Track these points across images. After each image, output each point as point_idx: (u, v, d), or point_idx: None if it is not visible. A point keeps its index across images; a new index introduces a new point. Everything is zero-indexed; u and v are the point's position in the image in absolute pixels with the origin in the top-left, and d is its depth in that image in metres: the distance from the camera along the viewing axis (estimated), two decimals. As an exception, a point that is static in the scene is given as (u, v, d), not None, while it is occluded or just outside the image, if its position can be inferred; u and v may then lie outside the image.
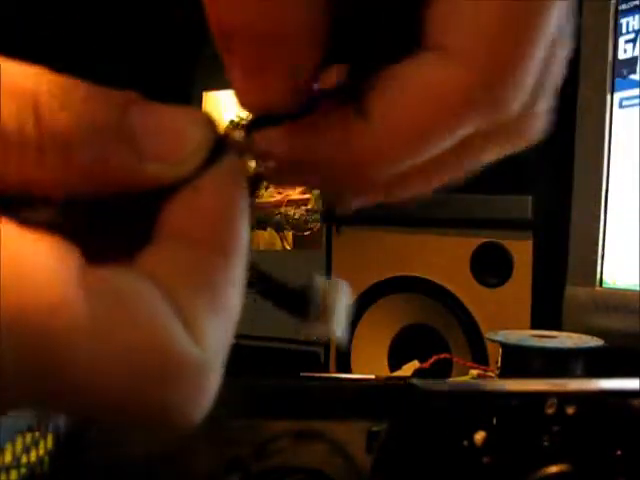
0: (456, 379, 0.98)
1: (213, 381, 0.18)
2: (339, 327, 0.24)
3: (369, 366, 1.33)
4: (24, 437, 0.47)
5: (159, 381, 0.17)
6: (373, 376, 0.86)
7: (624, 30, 1.00)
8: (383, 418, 0.45)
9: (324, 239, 1.45)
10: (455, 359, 1.11)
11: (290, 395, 0.46)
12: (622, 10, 1.00)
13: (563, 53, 0.22)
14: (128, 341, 0.16)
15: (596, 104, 1.01)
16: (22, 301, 0.15)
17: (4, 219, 0.16)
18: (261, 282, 0.24)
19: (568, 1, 0.21)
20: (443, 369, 1.11)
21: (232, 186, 0.19)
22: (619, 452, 0.39)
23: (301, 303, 0.23)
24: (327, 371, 1.38)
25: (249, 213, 0.19)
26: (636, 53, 0.99)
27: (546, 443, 0.40)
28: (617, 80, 1.00)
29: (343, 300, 0.25)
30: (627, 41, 1.00)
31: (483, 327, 1.21)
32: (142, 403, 0.17)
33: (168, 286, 0.17)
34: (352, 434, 0.49)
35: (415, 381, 0.42)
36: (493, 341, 0.86)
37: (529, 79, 0.20)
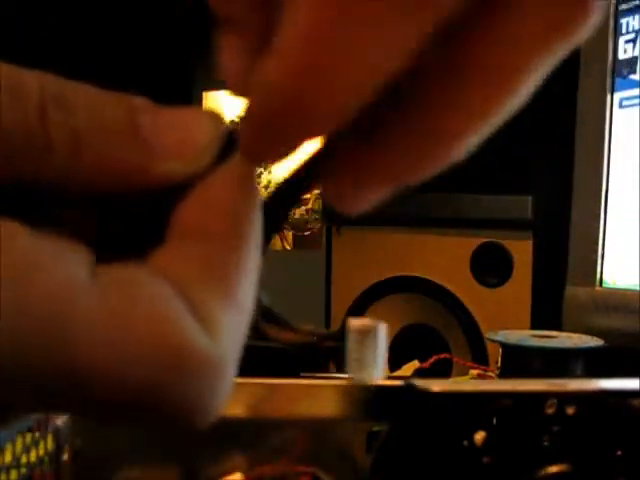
0: (456, 379, 0.98)
1: (228, 375, 0.18)
2: (377, 370, 0.24)
3: (369, 366, 1.33)
4: (24, 437, 0.47)
5: (173, 376, 0.17)
6: (373, 376, 0.86)
7: (624, 30, 1.00)
8: (383, 418, 0.45)
9: (324, 239, 1.45)
10: (455, 359, 1.11)
11: (290, 395, 0.46)
12: (622, 10, 1.00)
13: None
14: (141, 337, 0.16)
15: (596, 104, 1.01)
16: (35, 301, 0.16)
17: (14, 220, 0.16)
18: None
19: None
20: (443, 369, 1.11)
21: (243, 181, 0.19)
22: (619, 452, 0.39)
23: (325, 358, 0.23)
24: (327, 371, 1.38)
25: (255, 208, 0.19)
26: (636, 53, 0.99)
27: (546, 443, 0.40)
28: (617, 80, 1.00)
29: (381, 343, 0.24)
30: (627, 41, 1.00)
31: (483, 327, 1.21)
32: (157, 399, 0.17)
33: (180, 282, 0.17)
34: (352, 434, 0.49)
35: (415, 381, 0.42)
36: (493, 341, 0.86)
37: None
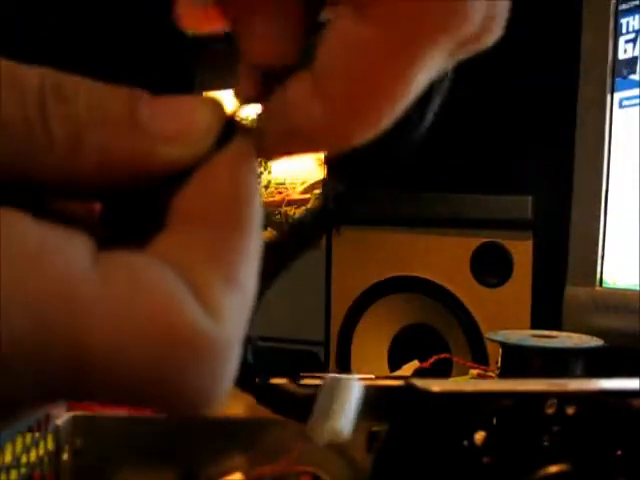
0: (456, 379, 0.98)
1: (232, 357, 0.18)
2: (345, 426, 0.24)
3: (369, 366, 1.33)
4: (24, 437, 0.47)
5: (177, 359, 0.17)
6: (373, 376, 0.86)
7: (624, 30, 1.00)
8: (383, 418, 0.45)
9: (324, 239, 1.45)
10: (455, 359, 1.11)
11: (290, 395, 0.46)
12: (622, 10, 1.00)
13: None
14: (144, 321, 0.16)
15: (596, 104, 1.01)
16: (39, 289, 0.16)
17: (13, 210, 0.16)
18: (266, 391, 0.23)
19: None
20: (443, 369, 1.11)
21: (244, 166, 0.19)
22: (619, 452, 0.39)
23: (304, 409, 0.23)
24: (327, 371, 1.38)
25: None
26: (636, 53, 0.99)
27: (546, 443, 0.40)
28: (617, 80, 1.00)
29: (352, 398, 0.24)
30: (627, 41, 1.00)
31: (483, 327, 1.21)
32: (160, 382, 0.17)
33: (182, 266, 0.18)
34: (352, 434, 0.49)
35: (415, 381, 0.42)
36: (493, 341, 0.86)
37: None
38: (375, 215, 1.32)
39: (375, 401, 0.49)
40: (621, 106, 1.00)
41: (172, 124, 0.19)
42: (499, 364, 0.85)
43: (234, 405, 0.51)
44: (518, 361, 0.83)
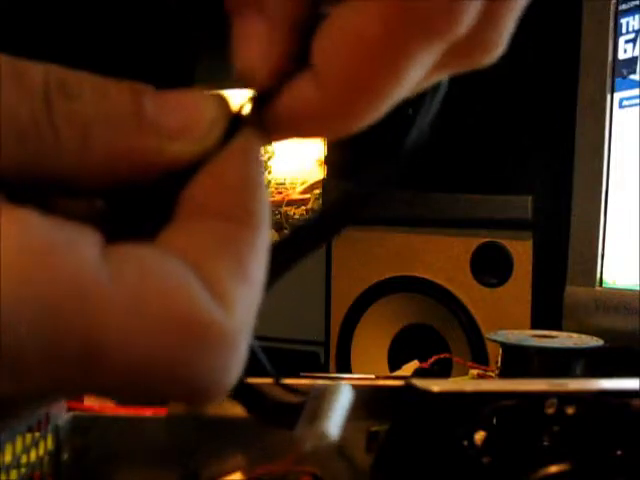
0: (456, 379, 0.98)
1: (242, 348, 0.18)
2: (332, 431, 0.24)
3: (369, 366, 1.33)
4: (24, 437, 0.47)
5: (188, 348, 0.17)
6: (373, 376, 0.86)
7: (624, 30, 1.00)
8: (383, 418, 0.45)
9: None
10: (455, 359, 1.11)
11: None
12: (622, 10, 1.00)
13: None
14: (156, 312, 0.16)
15: (596, 104, 1.01)
16: (50, 284, 0.16)
17: (22, 206, 0.16)
18: (253, 399, 0.23)
19: None
20: (443, 369, 1.11)
21: (251, 158, 0.20)
22: (619, 452, 0.39)
23: (292, 417, 0.23)
24: (327, 371, 1.38)
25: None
26: (636, 53, 0.99)
27: (546, 443, 0.40)
28: (617, 80, 1.00)
29: (341, 403, 0.24)
30: (627, 41, 1.00)
31: (483, 327, 1.21)
32: (172, 372, 0.17)
33: (192, 258, 0.18)
34: (352, 434, 0.49)
35: (415, 381, 0.42)
36: (493, 341, 0.86)
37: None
38: (375, 215, 1.32)
39: (375, 401, 0.49)
40: (621, 106, 1.00)
41: (178, 120, 0.19)
42: (499, 364, 0.85)
43: (234, 405, 0.51)
44: (518, 361, 0.83)
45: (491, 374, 0.91)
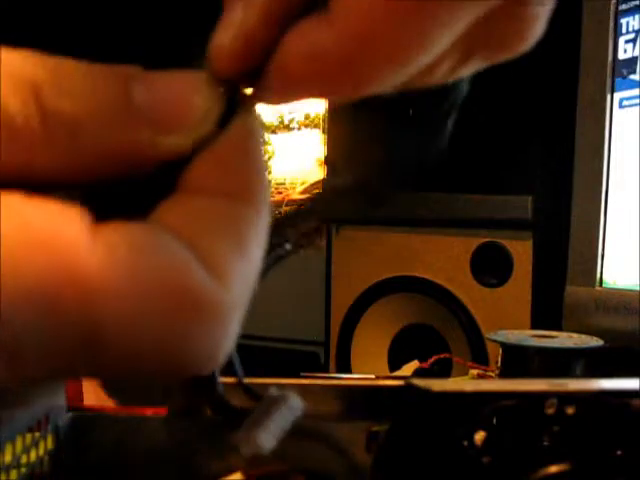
0: (456, 379, 0.98)
1: (235, 322, 0.18)
2: (265, 442, 0.24)
3: (369, 366, 1.33)
4: (24, 437, 0.47)
5: (183, 320, 0.17)
6: (373, 376, 0.86)
7: (624, 30, 1.00)
8: (383, 418, 0.45)
9: (324, 239, 1.45)
10: (455, 359, 1.11)
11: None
12: (622, 10, 1.00)
13: None
14: (149, 286, 0.16)
15: (596, 104, 1.01)
16: (42, 268, 0.16)
17: (9, 190, 0.16)
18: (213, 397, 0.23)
19: None
20: (443, 369, 1.11)
21: (252, 137, 0.19)
22: (619, 452, 0.39)
23: (239, 418, 0.23)
24: (327, 371, 1.38)
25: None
26: (636, 53, 0.99)
27: (546, 443, 0.40)
28: (617, 80, 1.00)
29: (283, 414, 0.25)
30: (627, 41, 1.00)
31: (483, 327, 1.21)
32: (168, 345, 0.17)
33: (187, 233, 0.18)
34: (352, 434, 0.49)
35: (415, 381, 0.42)
36: (493, 341, 0.86)
37: None
38: (375, 215, 1.32)
39: (375, 401, 0.49)
40: (621, 106, 1.00)
41: (170, 110, 0.18)
42: (499, 364, 0.85)
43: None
44: (518, 361, 0.83)
45: (491, 374, 0.91)
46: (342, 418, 0.50)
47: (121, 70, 0.18)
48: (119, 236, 0.17)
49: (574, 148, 1.04)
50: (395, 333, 1.34)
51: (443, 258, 1.26)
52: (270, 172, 2.14)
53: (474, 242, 1.24)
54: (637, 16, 0.99)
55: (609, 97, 1.00)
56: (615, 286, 1.00)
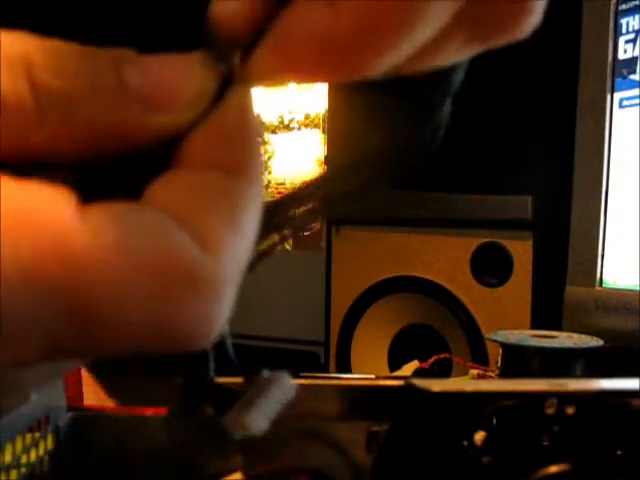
0: (456, 379, 0.98)
1: (227, 295, 0.18)
2: (256, 423, 0.24)
3: (369, 366, 1.33)
4: (24, 437, 0.47)
5: (174, 292, 0.17)
6: (373, 376, 0.86)
7: (624, 30, 1.00)
8: (383, 418, 0.45)
9: (324, 239, 1.45)
10: (455, 359, 1.11)
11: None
12: (622, 10, 1.00)
13: None
14: (140, 262, 0.16)
15: (596, 104, 1.01)
16: (30, 249, 0.16)
17: None
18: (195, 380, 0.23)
19: None
20: (443, 369, 1.11)
21: (246, 113, 0.19)
22: (619, 452, 0.39)
23: (229, 400, 0.23)
24: (327, 371, 1.38)
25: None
26: (636, 53, 0.99)
27: (546, 443, 0.40)
28: (617, 80, 1.00)
29: (276, 398, 0.24)
30: (627, 41, 1.00)
31: (483, 327, 1.21)
32: (159, 318, 0.17)
33: (177, 208, 0.18)
34: (352, 434, 0.49)
35: (415, 381, 0.42)
36: (493, 341, 0.86)
37: None
38: (375, 215, 1.32)
39: (375, 401, 0.49)
40: (621, 106, 1.00)
41: (163, 90, 0.18)
42: (499, 364, 0.85)
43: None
44: (518, 361, 0.83)
45: (491, 374, 0.91)
46: (342, 418, 0.50)
47: (114, 52, 0.18)
48: (107, 214, 0.17)
49: (574, 148, 1.04)
50: (395, 333, 1.34)
51: (443, 258, 1.26)
52: (270, 172, 2.14)
53: (474, 242, 1.24)
54: (637, 16, 0.99)
55: (609, 97, 1.00)
56: (615, 286, 1.00)
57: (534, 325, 1.16)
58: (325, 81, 0.20)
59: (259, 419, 0.25)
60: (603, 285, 1.01)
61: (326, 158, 1.53)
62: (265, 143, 2.18)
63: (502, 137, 1.23)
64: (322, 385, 0.53)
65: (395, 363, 1.27)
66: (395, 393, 0.45)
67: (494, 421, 0.40)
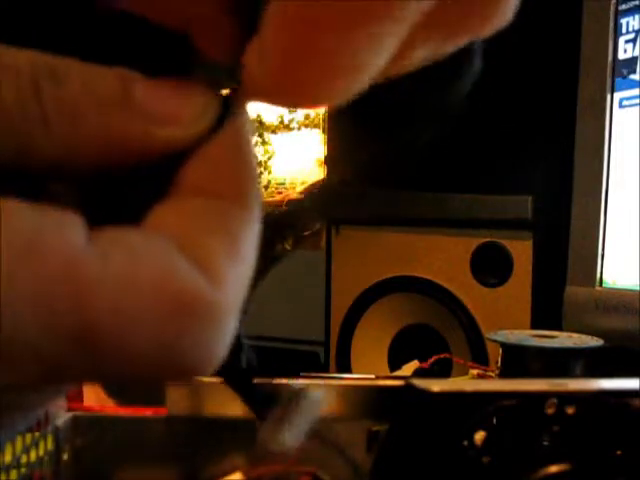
0: (456, 379, 0.98)
1: (230, 324, 0.18)
2: (291, 438, 0.24)
3: (369, 366, 1.33)
4: (24, 437, 0.47)
5: (179, 323, 0.17)
6: (373, 376, 0.86)
7: (624, 30, 1.00)
8: (383, 418, 0.45)
9: (324, 239, 1.45)
10: (455, 359, 1.11)
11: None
12: (622, 10, 1.00)
13: None
14: (145, 291, 0.17)
15: (596, 104, 1.01)
16: (39, 275, 0.16)
17: (5, 197, 0.16)
18: (236, 376, 0.23)
19: None
20: (443, 369, 1.11)
21: (244, 140, 0.19)
22: (619, 452, 0.39)
23: (266, 405, 0.23)
24: (327, 371, 1.38)
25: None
26: (636, 53, 0.99)
27: (546, 443, 0.40)
28: (617, 80, 1.00)
29: (309, 412, 0.25)
30: (627, 41, 1.00)
31: (483, 327, 1.21)
32: (164, 348, 0.17)
33: (180, 235, 0.18)
34: (352, 434, 0.49)
35: (415, 381, 0.42)
36: (493, 341, 0.86)
37: None
38: (375, 215, 1.32)
39: (375, 401, 0.49)
40: (621, 106, 1.00)
41: (168, 105, 0.19)
42: (499, 364, 0.85)
43: (234, 405, 0.51)
44: (518, 361, 0.83)
45: (491, 374, 0.91)
46: (342, 418, 0.50)
47: (120, 69, 0.19)
48: (115, 241, 0.17)
49: (574, 148, 1.04)
50: (395, 333, 1.34)
51: (443, 258, 1.26)
52: (270, 172, 2.14)
53: (474, 242, 1.24)
54: (637, 16, 0.99)
55: (609, 97, 1.00)
56: (615, 286, 1.00)
57: (534, 325, 1.16)
58: (314, 105, 0.20)
59: (293, 435, 0.25)
60: (603, 285, 1.01)
61: (326, 158, 1.53)
62: (265, 143, 2.18)
63: (502, 137, 1.23)
64: (322, 385, 0.53)
65: (395, 363, 1.27)
66: (395, 393, 0.45)
67: (494, 421, 0.40)
